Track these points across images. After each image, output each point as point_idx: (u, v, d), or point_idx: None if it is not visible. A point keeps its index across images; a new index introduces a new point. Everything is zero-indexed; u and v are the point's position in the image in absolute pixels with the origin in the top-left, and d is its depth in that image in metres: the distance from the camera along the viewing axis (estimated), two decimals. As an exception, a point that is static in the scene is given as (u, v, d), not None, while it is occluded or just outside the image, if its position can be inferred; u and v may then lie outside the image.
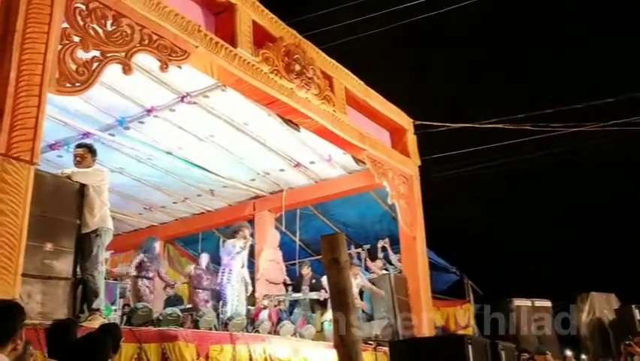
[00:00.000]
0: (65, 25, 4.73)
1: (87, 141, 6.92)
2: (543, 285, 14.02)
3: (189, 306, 8.44)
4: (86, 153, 5.85)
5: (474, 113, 12.62)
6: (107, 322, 5.11)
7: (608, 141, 12.66)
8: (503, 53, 19.53)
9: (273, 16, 7.08)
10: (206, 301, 8.33)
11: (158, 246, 8.70)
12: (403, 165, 9.43)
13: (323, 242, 4.35)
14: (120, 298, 7.48)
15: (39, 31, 4.45)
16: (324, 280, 7.00)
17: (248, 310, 8.14)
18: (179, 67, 5.89)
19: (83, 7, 4.89)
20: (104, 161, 7.56)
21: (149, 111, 7.53)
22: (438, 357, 5.54)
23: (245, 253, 8.37)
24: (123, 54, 5.16)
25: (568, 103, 11.46)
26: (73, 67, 4.73)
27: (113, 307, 6.96)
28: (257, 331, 7.25)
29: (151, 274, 8.09)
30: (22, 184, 4.16)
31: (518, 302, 10.45)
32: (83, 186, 5.49)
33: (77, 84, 4.77)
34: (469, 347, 5.34)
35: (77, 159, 5.82)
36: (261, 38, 6.83)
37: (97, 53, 4.96)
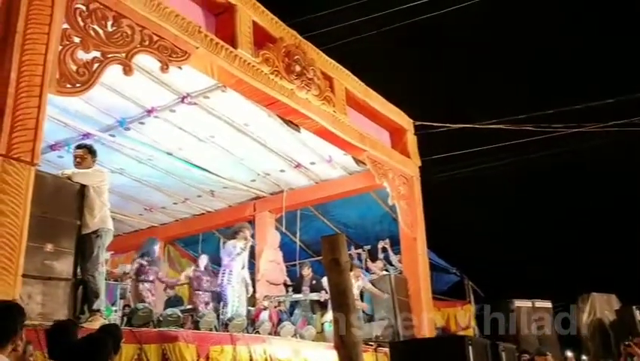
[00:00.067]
0: (66, 25, 4.73)
1: (87, 141, 6.91)
2: (544, 286, 14.01)
3: (189, 307, 8.44)
4: (86, 153, 5.85)
5: (474, 114, 12.65)
6: (107, 323, 5.12)
7: (609, 142, 12.67)
8: (504, 54, 19.55)
9: (274, 17, 7.08)
10: (207, 303, 8.31)
11: (157, 249, 8.68)
12: (404, 165, 9.43)
13: (323, 243, 4.35)
14: (120, 299, 7.47)
15: (39, 31, 4.45)
16: (325, 281, 6.99)
17: (248, 311, 8.13)
18: (180, 68, 5.89)
19: (84, 8, 4.89)
20: (104, 162, 7.56)
21: (149, 112, 7.53)
22: (438, 358, 5.53)
23: (245, 254, 8.37)
24: (124, 55, 5.16)
25: (568, 104, 11.48)
26: (74, 67, 4.73)
27: (114, 308, 6.96)
28: (257, 332, 7.25)
29: (151, 278, 8.06)
30: (23, 185, 4.16)
31: (519, 303, 10.43)
32: (83, 186, 5.49)
33: (78, 85, 4.77)
34: (470, 347, 5.33)
35: (77, 159, 5.82)
36: (262, 39, 6.83)
37: (97, 54, 4.96)
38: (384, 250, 10.14)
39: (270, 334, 7.22)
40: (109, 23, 5.08)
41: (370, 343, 7.84)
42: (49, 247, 4.93)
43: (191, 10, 6.16)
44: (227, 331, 6.66)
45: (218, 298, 8.22)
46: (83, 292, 5.34)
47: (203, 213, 11.48)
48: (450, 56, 19.97)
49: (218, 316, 7.41)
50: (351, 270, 8.66)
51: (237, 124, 8.07)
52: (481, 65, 19.67)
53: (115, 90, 6.87)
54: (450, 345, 5.82)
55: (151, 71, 6.42)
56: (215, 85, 6.94)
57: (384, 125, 9.58)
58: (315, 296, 8.78)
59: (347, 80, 8.35)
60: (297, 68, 7.21)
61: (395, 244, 9.93)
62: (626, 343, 7.97)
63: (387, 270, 9.68)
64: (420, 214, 9.46)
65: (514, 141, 12.00)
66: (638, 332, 9.12)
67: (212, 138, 8.40)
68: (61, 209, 5.20)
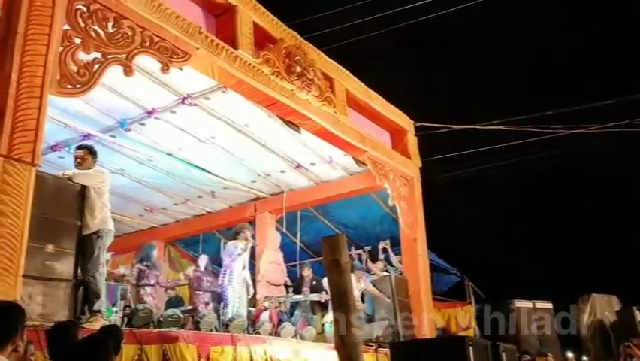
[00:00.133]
0: (66, 26, 4.73)
1: (88, 142, 6.92)
2: (544, 286, 14.01)
3: (190, 307, 8.44)
4: (87, 154, 5.86)
5: (474, 115, 12.64)
6: (108, 323, 5.13)
7: (609, 143, 12.66)
8: (504, 55, 19.55)
9: (274, 17, 7.08)
10: (207, 303, 8.32)
11: (156, 253, 8.68)
12: (404, 166, 9.43)
13: (324, 243, 4.35)
14: (121, 299, 7.48)
15: (40, 32, 4.45)
16: (325, 281, 6.99)
17: (249, 312, 8.13)
18: (180, 69, 5.89)
19: (84, 9, 4.89)
20: (104, 162, 7.56)
21: (149, 113, 7.53)
22: (439, 359, 5.53)
23: (246, 255, 8.37)
24: (124, 56, 5.16)
25: (568, 104, 11.48)
26: (75, 68, 4.73)
27: (114, 309, 6.97)
28: (258, 332, 7.26)
29: (152, 281, 8.07)
30: (23, 186, 4.16)
31: (519, 304, 10.44)
32: (83, 187, 5.50)
33: (78, 86, 4.77)
34: (470, 348, 5.32)
35: (78, 160, 5.83)
36: (262, 40, 6.83)
37: (98, 55, 4.96)
38: (384, 250, 10.13)
39: (270, 335, 7.23)
40: (109, 24, 5.09)
41: (371, 344, 7.84)
42: (49, 247, 4.94)
43: (192, 11, 6.17)
44: (228, 331, 6.67)
45: (219, 298, 8.22)
46: (84, 293, 5.35)
47: (203, 214, 11.48)
48: (450, 57, 19.98)
49: (218, 316, 7.41)
50: (352, 271, 8.72)
51: (238, 125, 8.08)
52: (482, 65, 19.67)
53: (115, 91, 6.87)
54: (450, 346, 5.82)
55: (151, 72, 6.42)
56: (216, 86, 6.94)
57: (385, 126, 9.58)
58: (315, 297, 8.79)
59: (347, 81, 8.35)
60: (298, 69, 7.21)
61: (395, 244, 9.93)
62: (626, 344, 7.97)
63: (387, 271, 9.68)
64: (420, 215, 9.46)
65: (515, 142, 12.01)
66: (639, 332, 9.11)
67: (212, 139, 8.40)
68: (61, 210, 5.20)
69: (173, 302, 8.96)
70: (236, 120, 7.96)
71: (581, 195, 19.50)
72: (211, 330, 6.69)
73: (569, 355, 11.64)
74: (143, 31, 5.34)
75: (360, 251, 10.67)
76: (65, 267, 5.08)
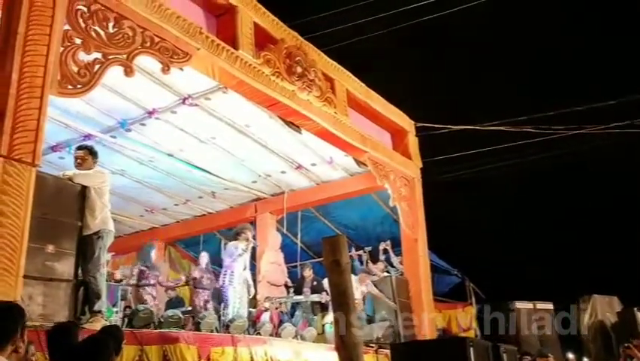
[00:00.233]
0: (67, 27, 4.73)
1: (88, 143, 6.92)
2: (545, 287, 14.00)
3: (190, 308, 8.44)
4: (87, 155, 5.85)
5: (475, 115, 12.63)
6: (108, 324, 5.12)
7: (610, 143, 12.65)
8: (505, 55, 19.54)
9: (275, 18, 7.08)
10: (207, 302, 8.33)
11: (154, 254, 8.69)
12: (405, 167, 9.43)
13: (324, 244, 4.35)
14: (122, 300, 7.49)
15: (41, 33, 4.45)
16: (326, 282, 6.99)
17: (249, 313, 8.14)
18: (181, 69, 5.89)
19: (85, 9, 4.89)
20: (105, 163, 7.56)
21: (150, 113, 7.54)
22: (440, 360, 5.53)
23: (247, 256, 8.37)
24: (125, 56, 5.16)
25: (569, 105, 11.46)
26: (75, 69, 4.73)
27: (115, 310, 6.97)
28: (258, 333, 7.25)
29: (152, 281, 8.09)
30: (24, 186, 4.15)
31: (519, 305, 10.43)
32: (84, 188, 5.49)
33: (79, 86, 4.77)
34: (471, 349, 5.32)
35: (78, 161, 5.82)
36: (263, 40, 6.83)
37: (99, 55, 4.96)
38: (385, 251, 10.13)
39: (270, 335, 7.22)
40: (110, 24, 5.08)
41: (371, 344, 7.83)
42: (50, 248, 4.93)
43: (193, 11, 6.17)
44: (229, 332, 6.67)
45: (219, 298, 8.23)
46: (84, 294, 5.34)
47: (204, 215, 11.48)
48: (451, 57, 19.97)
49: (219, 317, 7.42)
50: (355, 274, 8.73)
51: (238, 125, 8.08)
52: (483, 65, 19.66)
53: (116, 91, 6.87)
54: (451, 347, 5.82)
55: (152, 73, 6.42)
56: (217, 86, 6.94)
57: (386, 127, 9.58)
58: (316, 298, 8.79)
59: (348, 82, 8.35)
60: (299, 70, 7.21)
61: (396, 245, 9.92)
62: (626, 345, 7.95)
63: (388, 271, 9.68)
64: (421, 216, 9.45)
65: (515, 143, 11.99)
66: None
67: (213, 140, 8.40)
68: (62, 210, 5.20)
69: (174, 303, 8.97)
70: (236, 121, 7.96)
71: (581, 195, 19.49)
72: (212, 331, 6.69)
73: (570, 356, 11.62)
74: (143, 32, 5.34)
75: (360, 252, 10.67)
76: (66, 267, 5.07)
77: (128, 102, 7.23)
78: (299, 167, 9.58)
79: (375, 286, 9.00)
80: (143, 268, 8.06)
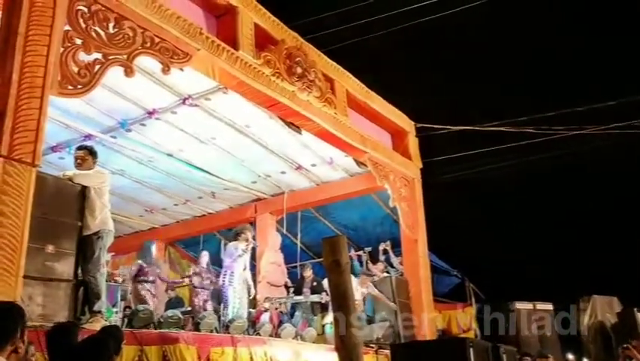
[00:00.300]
0: (67, 27, 4.73)
1: (88, 143, 6.93)
2: (545, 288, 13.98)
3: (190, 308, 8.44)
4: (87, 155, 5.85)
5: (475, 116, 12.63)
6: (108, 324, 5.12)
7: (610, 144, 12.64)
8: (505, 55, 19.52)
9: (275, 18, 7.09)
10: (206, 301, 8.33)
11: (154, 250, 8.69)
12: (405, 167, 9.43)
13: (324, 245, 4.36)
14: (121, 300, 7.49)
15: (41, 33, 4.45)
16: (326, 282, 6.99)
17: (249, 313, 8.14)
18: (181, 69, 5.90)
19: (85, 10, 4.89)
20: (105, 163, 7.57)
21: (150, 114, 7.54)
22: (439, 360, 5.53)
23: (247, 256, 8.36)
24: (125, 56, 5.16)
25: (569, 105, 11.46)
26: (75, 69, 4.73)
27: (114, 310, 6.97)
28: (258, 333, 7.25)
29: (151, 278, 8.09)
30: (24, 186, 4.16)
31: (519, 305, 10.43)
32: (84, 188, 5.49)
33: (79, 86, 4.77)
34: (471, 350, 5.33)
35: (78, 161, 5.82)
36: (263, 41, 6.84)
37: (99, 56, 4.96)
38: (385, 251, 10.14)
39: (270, 336, 7.22)
40: (110, 25, 5.09)
41: (371, 345, 7.83)
42: (50, 248, 4.93)
43: (193, 11, 6.17)
44: (228, 332, 6.67)
45: (219, 299, 8.23)
46: (84, 294, 5.34)
47: (204, 215, 11.49)
48: (451, 58, 19.95)
49: (219, 317, 7.41)
50: (356, 276, 8.73)
51: (238, 126, 8.08)
52: (483, 66, 19.64)
53: (116, 92, 6.88)
54: (451, 347, 5.82)
55: (152, 73, 6.43)
56: (217, 87, 6.95)
57: (386, 127, 9.59)
58: (315, 298, 8.79)
59: (348, 82, 8.36)
60: (299, 70, 7.21)
61: (396, 245, 9.93)
62: (625, 346, 7.94)
63: (388, 272, 9.69)
64: (421, 216, 9.46)
65: (516, 143, 11.99)
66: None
67: (213, 140, 8.41)
68: (62, 210, 5.20)
69: (174, 303, 8.97)
70: (236, 121, 7.97)
71: (581, 196, 19.47)
72: (211, 331, 6.69)
73: (570, 357, 11.61)
74: (143, 32, 5.35)
75: (360, 252, 10.69)
76: (66, 267, 5.07)
77: (128, 102, 7.23)
78: (299, 167, 9.58)
79: (375, 286, 9.00)
80: (142, 264, 8.05)
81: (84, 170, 5.74)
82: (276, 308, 8.98)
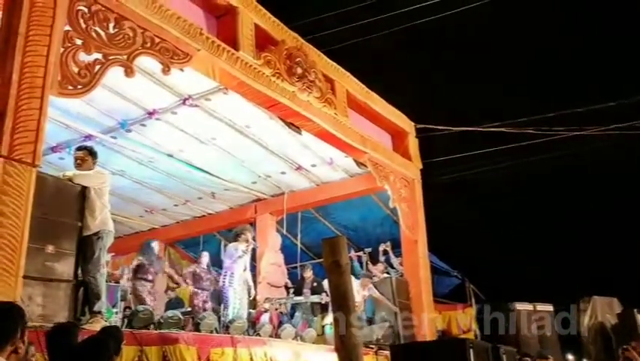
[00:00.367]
0: (68, 27, 4.73)
1: (88, 143, 6.93)
2: (545, 288, 13.98)
3: (190, 309, 8.44)
4: (87, 155, 5.85)
5: (475, 117, 12.63)
6: (108, 324, 5.12)
7: (610, 145, 12.64)
8: (505, 56, 19.52)
9: (275, 19, 7.09)
10: (205, 302, 8.32)
11: (156, 247, 8.66)
12: (405, 168, 9.43)
13: (324, 245, 4.35)
14: (121, 300, 7.48)
15: (41, 33, 4.45)
16: (326, 283, 6.99)
17: (249, 314, 8.13)
18: (181, 70, 5.90)
19: (86, 10, 4.89)
20: (105, 163, 7.57)
21: (150, 114, 7.54)
22: (439, 361, 5.53)
23: (247, 257, 8.36)
24: (125, 57, 5.16)
25: (570, 107, 11.46)
26: (76, 69, 4.73)
27: (114, 310, 6.97)
28: (258, 334, 7.25)
29: (150, 277, 8.05)
30: (24, 186, 4.15)
31: (519, 306, 10.42)
32: (84, 188, 5.49)
33: (79, 87, 4.77)
34: (471, 350, 5.32)
35: (78, 161, 5.82)
36: (263, 41, 6.84)
37: (99, 56, 4.96)
38: (385, 252, 10.13)
39: (270, 336, 7.22)
40: (111, 25, 5.09)
41: (371, 345, 7.83)
42: (50, 248, 4.93)
43: (193, 12, 6.17)
44: (228, 333, 6.66)
45: (219, 300, 8.23)
46: (84, 294, 5.34)
47: (204, 215, 11.49)
48: (451, 58, 19.95)
49: (219, 318, 7.41)
50: (357, 278, 8.72)
51: (239, 126, 8.08)
52: (483, 67, 19.64)
53: (116, 92, 6.88)
54: (451, 348, 5.81)
55: (152, 73, 6.43)
56: (217, 87, 6.95)
57: (386, 128, 9.59)
58: (316, 299, 8.79)
59: (348, 83, 8.36)
60: (299, 71, 7.22)
61: (396, 246, 9.93)
62: (624, 347, 7.94)
63: (388, 273, 9.68)
64: (421, 217, 9.46)
65: (516, 144, 11.99)
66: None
67: (213, 140, 8.41)
68: (62, 210, 5.20)
69: (174, 304, 8.96)
70: (237, 121, 7.97)
71: (581, 197, 19.46)
72: (211, 332, 6.69)
73: (570, 357, 11.60)
74: (144, 32, 5.35)
75: (360, 253, 10.68)
76: (66, 268, 5.07)
77: (129, 103, 7.23)
78: (299, 168, 9.58)
79: (375, 287, 9.00)
80: (143, 261, 8.02)
81: (84, 170, 5.73)
82: (276, 309, 8.98)
